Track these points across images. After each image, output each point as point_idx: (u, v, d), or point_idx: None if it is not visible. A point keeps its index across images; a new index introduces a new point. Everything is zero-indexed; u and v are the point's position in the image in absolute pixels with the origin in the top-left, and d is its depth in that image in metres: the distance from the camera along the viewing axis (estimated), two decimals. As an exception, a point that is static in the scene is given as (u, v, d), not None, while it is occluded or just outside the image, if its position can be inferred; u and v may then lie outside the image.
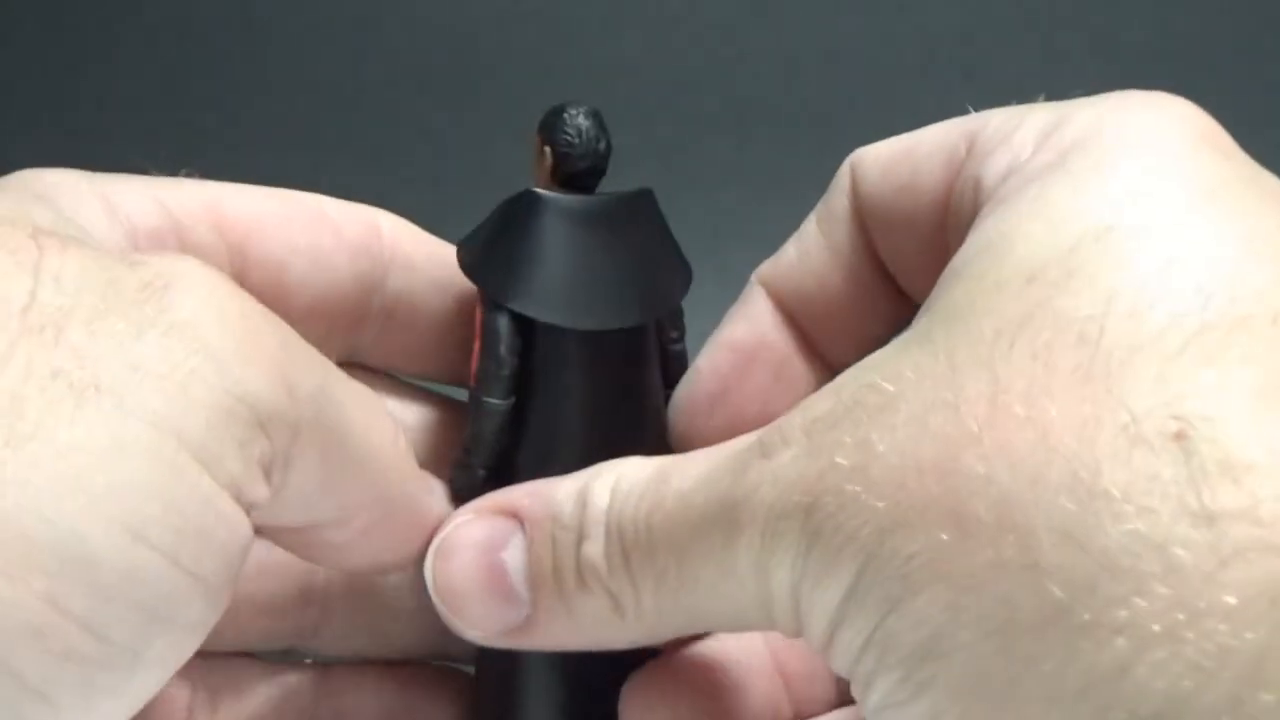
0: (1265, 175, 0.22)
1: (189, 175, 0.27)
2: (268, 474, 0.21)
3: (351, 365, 0.29)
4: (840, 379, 0.22)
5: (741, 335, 0.30)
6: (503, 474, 0.28)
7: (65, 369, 0.18)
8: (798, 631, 0.22)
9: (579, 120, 0.28)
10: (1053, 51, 0.63)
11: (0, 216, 0.21)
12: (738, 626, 0.25)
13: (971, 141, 0.25)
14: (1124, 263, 0.20)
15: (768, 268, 0.30)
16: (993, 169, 0.24)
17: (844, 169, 0.28)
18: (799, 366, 0.30)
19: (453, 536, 0.26)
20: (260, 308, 0.22)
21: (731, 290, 0.31)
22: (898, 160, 0.27)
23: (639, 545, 0.24)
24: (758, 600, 0.22)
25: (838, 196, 0.28)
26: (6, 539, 0.17)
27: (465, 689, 0.31)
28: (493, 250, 0.27)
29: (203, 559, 0.19)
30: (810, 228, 0.29)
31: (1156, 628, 0.17)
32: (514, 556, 0.25)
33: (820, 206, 0.29)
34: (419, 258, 0.29)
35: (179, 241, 0.25)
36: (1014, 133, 0.24)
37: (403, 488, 0.26)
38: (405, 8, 0.64)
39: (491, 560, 0.25)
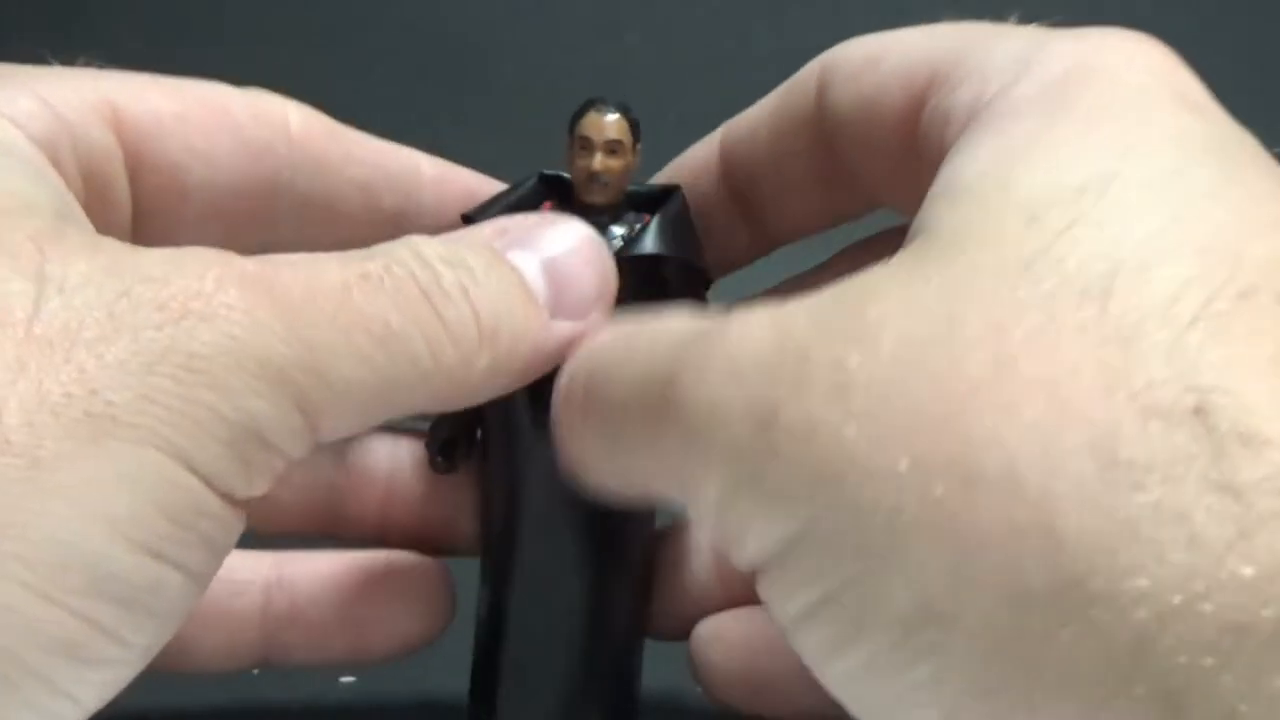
0: (1246, 135, 0.22)
1: (87, 64, 0.26)
2: (282, 467, 0.21)
3: None
4: (820, 293, 0.20)
5: (679, 178, 0.30)
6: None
7: (77, 394, 0.18)
8: (716, 540, 0.21)
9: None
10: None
11: None
12: (668, 500, 0.23)
13: (932, 70, 0.24)
14: (1130, 216, 0.19)
15: (728, 125, 0.30)
16: (962, 100, 0.23)
17: (813, 68, 0.28)
18: (719, 227, 0.30)
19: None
20: (279, 325, 0.20)
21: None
22: (862, 72, 0.26)
23: (595, 387, 0.23)
24: (681, 488, 0.21)
25: (799, 94, 0.28)
26: (40, 565, 0.18)
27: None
28: (690, 240, 0.28)
29: (208, 563, 0.21)
30: (767, 109, 0.29)
31: (1176, 599, 0.17)
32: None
33: (782, 96, 0.29)
34: (334, 158, 0.28)
35: (73, 146, 0.24)
36: (983, 64, 0.23)
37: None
38: (405, 8, 0.64)
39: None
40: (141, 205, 0.26)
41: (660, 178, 0.31)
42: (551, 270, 0.25)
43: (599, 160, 0.27)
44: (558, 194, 0.29)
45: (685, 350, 0.21)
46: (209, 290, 0.20)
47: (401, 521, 0.31)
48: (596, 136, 0.27)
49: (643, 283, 0.27)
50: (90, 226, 0.23)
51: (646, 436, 0.22)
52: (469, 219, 0.29)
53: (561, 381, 0.24)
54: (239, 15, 0.64)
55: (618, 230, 0.28)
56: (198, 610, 0.29)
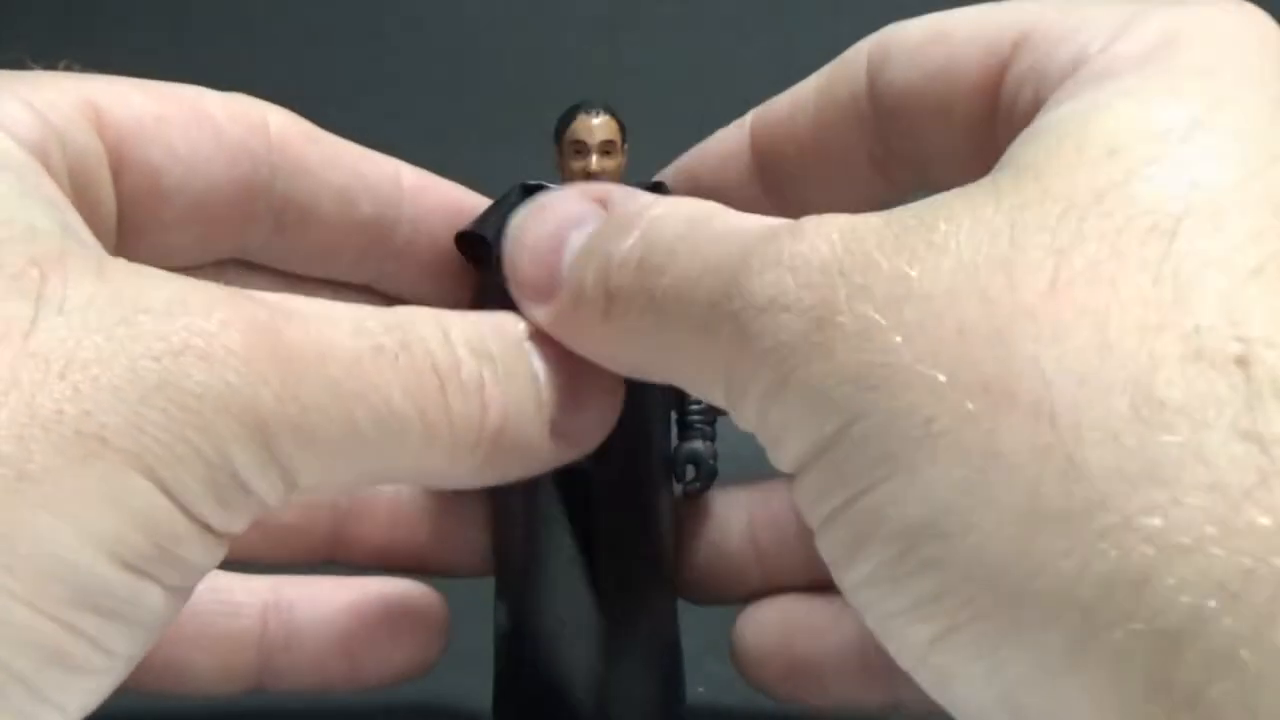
0: None
1: (68, 68, 0.26)
2: (259, 511, 0.21)
3: (238, 263, 0.29)
4: (895, 209, 0.21)
5: (704, 167, 0.30)
6: None
7: (69, 413, 0.18)
8: (754, 428, 0.21)
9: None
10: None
11: None
12: (701, 393, 0.23)
13: (1021, 35, 0.24)
14: (1208, 161, 0.19)
15: (760, 112, 0.30)
16: (1058, 61, 0.23)
17: (860, 50, 0.28)
18: (747, 208, 0.30)
19: (548, 198, 0.26)
20: (275, 380, 0.20)
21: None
22: (929, 45, 0.26)
23: (655, 265, 0.23)
24: (725, 380, 0.21)
25: (846, 77, 0.28)
26: (28, 577, 0.18)
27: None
28: None
29: (188, 578, 0.21)
30: (807, 95, 0.29)
31: (1186, 540, 0.17)
32: (578, 239, 0.25)
33: (824, 80, 0.28)
34: (313, 162, 0.28)
35: (61, 150, 0.24)
36: (1078, 28, 0.23)
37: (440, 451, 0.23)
38: (405, 8, 0.64)
39: (561, 232, 0.25)
40: (123, 206, 0.26)
41: (683, 165, 0.30)
42: (568, 390, 0.25)
43: (595, 162, 0.28)
44: None
45: (755, 245, 0.21)
46: (212, 330, 0.20)
47: (406, 542, 0.31)
48: (590, 139, 0.28)
49: None
50: (93, 239, 0.23)
51: (699, 325, 0.22)
52: (463, 236, 0.28)
53: (607, 251, 0.24)
54: (233, 17, 0.64)
55: None
56: (195, 632, 0.29)
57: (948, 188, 0.25)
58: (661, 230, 0.23)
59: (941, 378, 0.18)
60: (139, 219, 0.26)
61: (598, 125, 0.28)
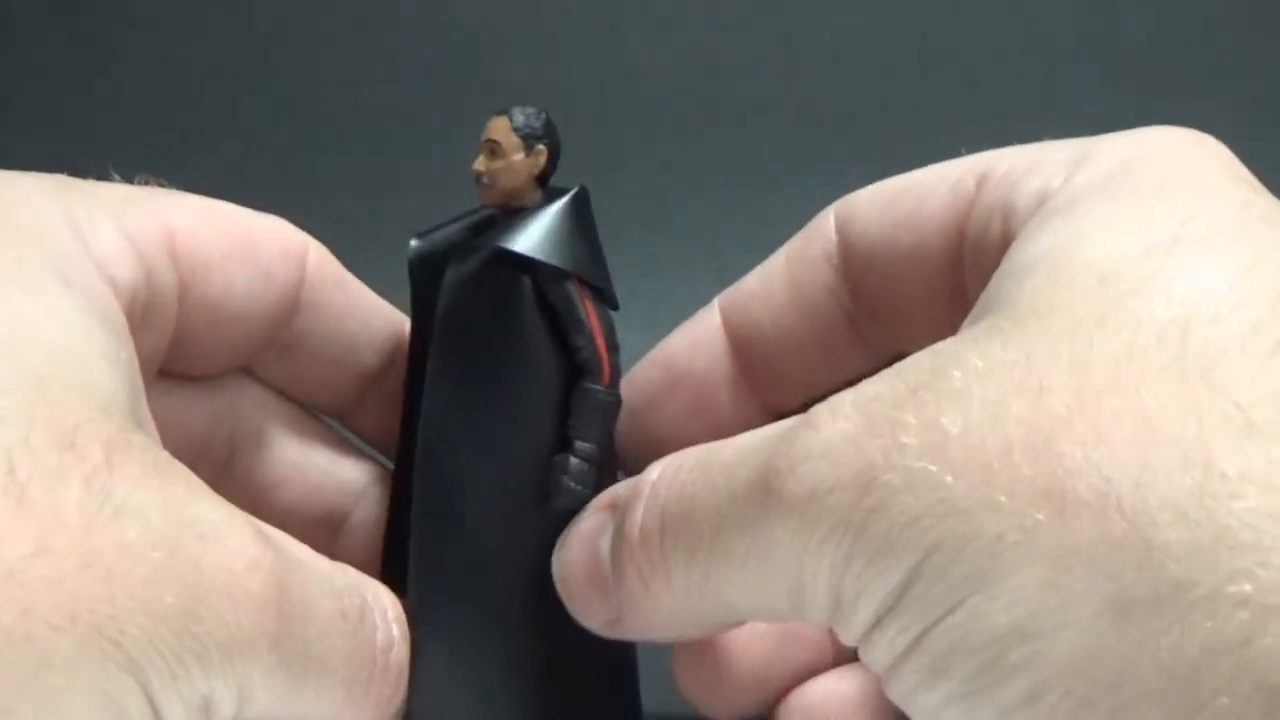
0: None
1: (144, 182, 0.27)
2: None
3: (238, 371, 0.30)
4: (897, 365, 0.22)
5: (676, 356, 0.30)
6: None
7: (100, 614, 0.19)
8: (828, 620, 0.22)
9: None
10: (1053, 51, 0.63)
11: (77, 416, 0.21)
12: (764, 613, 0.24)
13: (983, 173, 0.26)
14: (1198, 271, 0.20)
15: (728, 293, 0.30)
16: (1024, 194, 0.24)
17: (826, 215, 0.29)
18: (723, 402, 0.30)
19: (571, 530, 0.27)
20: (274, 627, 0.22)
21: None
22: (896, 197, 0.28)
23: (677, 515, 0.24)
24: (789, 582, 0.22)
25: (816, 239, 0.29)
26: None
27: None
28: (588, 247, 0.28)
29: None
30: (777, 265, 0.30)
31: (1278, 599, 0.17)
32: (606, 545, 0.26)
33: (793, 247, 0.30)
34: (334, 308, 0.30)
35: (147, 288, 0.26)
36: (1038, 164, 0.25)
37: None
38: (405, 8, 0.64)
39: (593, 549, 0.26)
40: (177, 332, 0.27)
41: (654, 357, 0.31)
42: None
43: (480, 160, 0.28)
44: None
45: (776, 448, 0.22)
46: (240, 571, 0.21)
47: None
48: (482, 137, 0.28)
49: (507, 278, 0.28)
50: (150, 423, 0.24)
51: (745, 550, 0.22)
52: (423, 236, 0.29)
53: (627, 527, 0.25)
54: (235, 17, 0.64)
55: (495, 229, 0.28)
56: None
57: (923, 338, 0.26)
58: (670, 485, 0.24)
59: (1002, 498, 0.19)
60: (184, 340, 0.28)
61: (490, 126, 0.28)
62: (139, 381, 0.24)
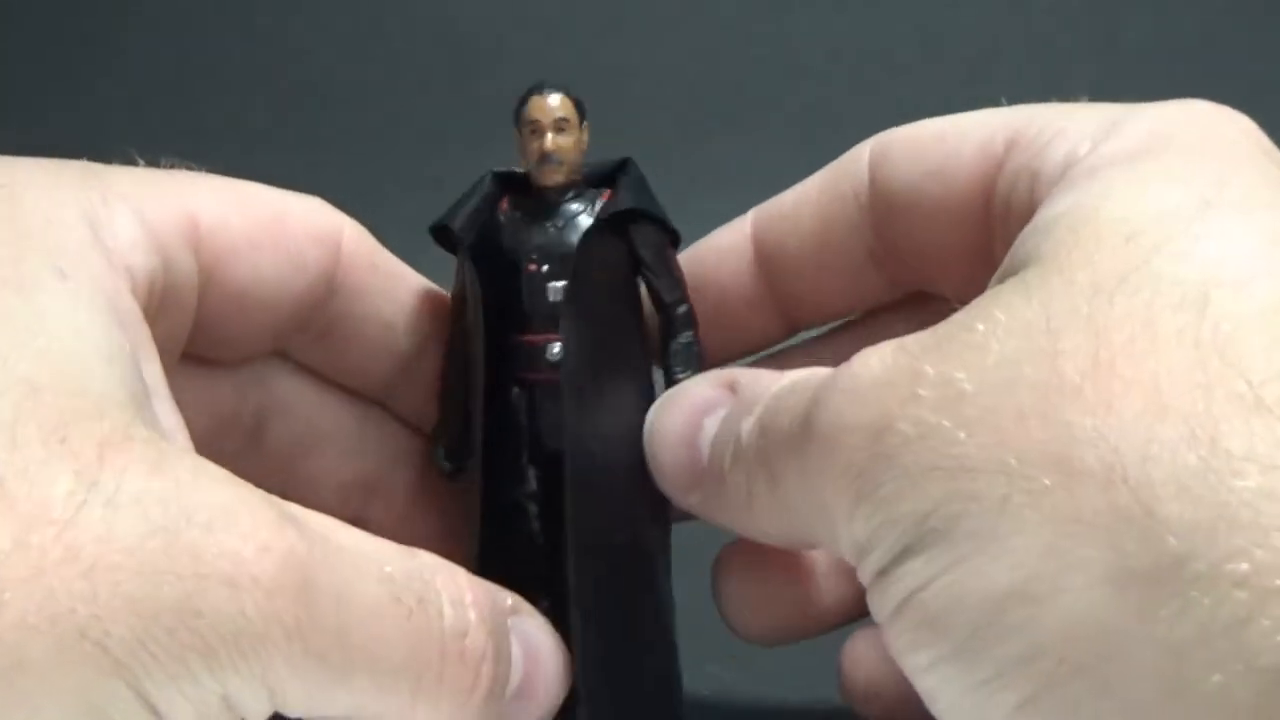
0: None
1: (170, 165, 0.27)
2: None
3: (274, 354, 0.29)
4: (938, 324, 0.22)
5: (704, 260, 0.31)
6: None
7: (81, 613, 0.19)
8: (853, 559, 0.22)
9: None
10: (1053, 51, 0.63)
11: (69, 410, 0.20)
12: (809, 541, 0.25)
13: (1013, 135, 0.26)
14: (1226, 235, 0.20)
15: (762, 208, 0.31)
16: (1051, 160, 0.24)
17: (862, 151, 0.29)
18: (744, 310, 0.31)
19: (679, 390, 0.27)
20: (290, 618, 0.20)
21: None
22: (928, 146, 0.28)
23: (777, 431, 0.24)
24: (820, 515, 0.22)
25: (848, 177, 0.29)
26: None
27: None
28: (655, 202, 0.29)
29: None
30: (810, 194, 0.30)
31: (1277, 581, 0.17)
32: (712, 424, 0.26)
33: (825, 179, 0.30)
34: (371, 290, 0.29)
35: (163, 277, 0.25)
36: (1068, 129, 0.24)
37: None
38: (405, 8, 0.64)
39: (695, 420, 0.26)
40: (199, 319, 0.27)
41: (685, 261, 0.31)
42: (528, 676, 0.24)
43: (550, 140, 0.28)
44: (513, 189, 0.29)
45: (825, 379, 0.23)
46: (246, 556, 0.20)
47: (420, 525, 0.31)
48: (544, 117, 0.28)
49: (614, 246, 0.28)
50: (156, 418, 0.23)
51: (794, 469, 0.23)
52: (436, 229, 0.28)
53: (737, 434, 0.25)
54: (236, 16, 0.64)
55: (576, 207, 0.28)
56: None
57: (944, 283, 0.26)
58: (779, 405, 0.24)
59: (1012, 460, 0.19)
60: (208, 327, 0.27)
61: (552, 103, 0.28)
62: (152, 368, 0.23)
